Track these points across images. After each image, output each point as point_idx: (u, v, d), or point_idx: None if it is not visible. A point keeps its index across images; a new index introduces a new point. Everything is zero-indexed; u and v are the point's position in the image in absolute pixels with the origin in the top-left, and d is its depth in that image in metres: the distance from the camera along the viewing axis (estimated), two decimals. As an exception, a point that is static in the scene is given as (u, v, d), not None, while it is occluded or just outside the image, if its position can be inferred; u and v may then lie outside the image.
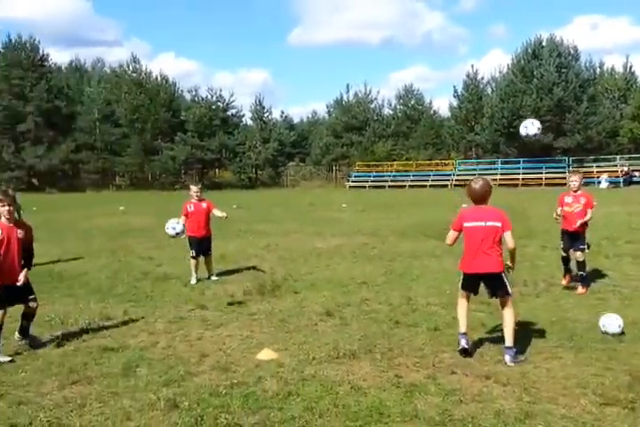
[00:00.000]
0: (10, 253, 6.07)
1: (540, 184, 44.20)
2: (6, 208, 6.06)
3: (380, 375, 5.27)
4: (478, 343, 6.07)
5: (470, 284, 5.95)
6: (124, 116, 54.38)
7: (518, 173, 47.01)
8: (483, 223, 5.73)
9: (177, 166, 55.37)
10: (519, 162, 48.13)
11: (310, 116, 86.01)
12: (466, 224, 5.83)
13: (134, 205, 30.76)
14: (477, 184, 5.81)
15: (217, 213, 9.84)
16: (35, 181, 53.13)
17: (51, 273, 10.72)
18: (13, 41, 53.95)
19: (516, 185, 43.99)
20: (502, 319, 5.81)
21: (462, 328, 5.91)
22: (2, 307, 6.08)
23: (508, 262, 5.80)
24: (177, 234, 7.97)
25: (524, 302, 7.78)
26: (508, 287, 5.77)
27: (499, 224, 5.69)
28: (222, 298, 8.55)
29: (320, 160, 59.79)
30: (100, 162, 54.88)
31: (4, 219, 6.12)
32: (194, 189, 9.98)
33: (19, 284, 6.02)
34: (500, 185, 37.39)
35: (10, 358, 5.91)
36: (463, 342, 5.80)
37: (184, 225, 8.24)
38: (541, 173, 46.11)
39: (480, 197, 5.82)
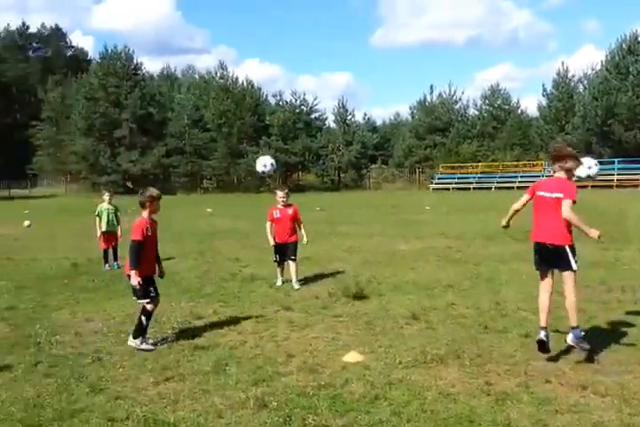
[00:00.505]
0: (154, 246, 6.61)
1: (637, 186, 41.96)
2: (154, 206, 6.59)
3: (470, 382, 5.13)
4: (572, 351, 5.80)
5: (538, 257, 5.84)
6: (211, 121, 56.02)
7: (613, 174, 44.73)
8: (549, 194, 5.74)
9: (262, 170, 56.28)
10: (614, 162, 45.77)
11: (393, 118, 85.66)
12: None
13: (221, 207, 31.61)
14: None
15: (303, 239, 9.84)
16: (129, 184, 55.54)
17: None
18: (109, 51, 56.84)
19: (611, 186, 41.97)
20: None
21: (542, 321, 5.69)
22: (153, 298, 6.50)
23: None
24: (263, 172, 8.11)
25: (621, 309, 7.39)
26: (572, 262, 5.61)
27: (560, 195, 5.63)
28: (308, 300, 8.61)
29: (402, 162, 59.30)
30: (189, 166, 56.74)
31: (150, 214, 6.59)
32: (280, 194, 9.80)
33: (161, 277, 6.61)
34: (594, 186, 35.68)
35: (153, 348, 6.31)
36: (541, 335, 5.58)
37: (272, 165, 8.32)
38: (638, 173, 43.76)
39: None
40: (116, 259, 12.01)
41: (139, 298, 6.48)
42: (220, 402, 4.78)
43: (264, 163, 8.01)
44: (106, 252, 12.01)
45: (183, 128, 56.69)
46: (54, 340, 6.73)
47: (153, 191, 6.68)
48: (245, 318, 7.54)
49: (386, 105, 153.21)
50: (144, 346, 6.33)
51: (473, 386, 5.03)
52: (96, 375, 5.51)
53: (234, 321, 7.42)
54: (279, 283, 9.75)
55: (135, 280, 6.30)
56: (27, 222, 21.48)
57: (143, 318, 6.44)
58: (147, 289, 6.44)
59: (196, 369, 5.60)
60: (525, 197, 6.06)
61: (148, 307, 6.49)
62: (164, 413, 4.62)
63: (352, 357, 5.82)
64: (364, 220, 22.04)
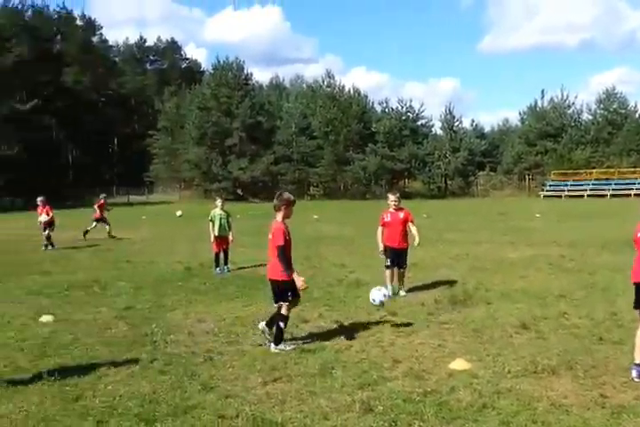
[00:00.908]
0: (290, 249, 6.73)
1: None
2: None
3: (584, 394, 4.91)
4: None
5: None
6: (318, 129, 56.89)
7: None
8: None
9: (367, 176, 56.52)
10: None
11: (501, 124, 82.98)
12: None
13: (327, 213, 31.98)
14: None
15: (415, 240, 9.58)
16: (239, 191, 57.41)
17: (255, 276, 11.49)
18: (221, 62, 59.25)
19: None
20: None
21: (637, 358, 5.30)
22: (290, 301, 6.60)
23: None
24: (381, 303, 7.71)
25: None
26: None
27: None
28: (413, 306, 8.56)
29: (512, 169, 57.38)
30: (296, 173, 57.91)
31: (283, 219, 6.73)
32: (391, 198, 9.74)
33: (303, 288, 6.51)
34: None
35: (294, 347, 6.49)
36: (634, 374, 5.22)
37: (385, 296, 7.89)
38: None
39: None
40: (226, 262, 12.48)
41: (278, 301, 6.60)
42: (325, 404, 4.86)
43: (375, 297, 7.65)
44: (217, 255, 12.49)
45: (291, 136, 57.93)
46: (169, 339, 7.10)
47: (289, 196, 6.85)
48: (351, 323, 7.61)
49: (493, 111, 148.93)
50: (288, 348, 6.47)
51: (587, 398, 4.82)
52: (208, 374, 5.76)
53: (340, 325, 7.51)
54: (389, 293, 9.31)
55: (299, 281, 6.42)
56: (179, 212, 22.08)
57: (281, 324, 6.55)
58: (287, 292, 6.57)
59: (303, 371, 5.72)
60: None
61: (284, 310, 6.58)
62: (272, 412, 4.75)
63: (459, 364, 5.73)
64: (471, 227, 21.57)
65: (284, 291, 6.57)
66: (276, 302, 6.68)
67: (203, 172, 57.26)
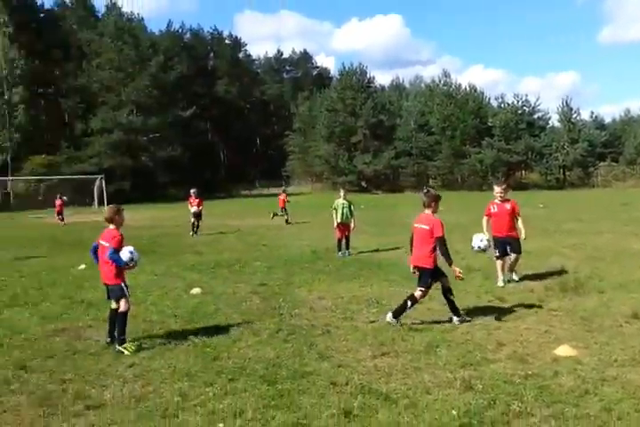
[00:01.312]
0: None
1: None
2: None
3: (695, 387, 4.39)
4: None
5: None
6: (436, 125, 55.95)
7: None
8: None
9: (484, 169, 54.58)
10: None
11: (623, 114, 76.33)
12: None
13: (445, 204, 31.10)
14: None
15: (521, 233, 8.99)
16: (363, 183, 57.71)
17: (372, 260, 11.47)
18: (346, 68, 59.82)
19: None
20: None
21: None
22: (427, 288, 6.55)
23: None
24: (480, 248, 7.57)
25: None
26: None
27: None
28: (523, 292, 8.11)
29: (635, 159, 52.74)
30: (415, 166, 57.32)
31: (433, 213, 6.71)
32: (497, 189, 9.24)
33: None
34: None
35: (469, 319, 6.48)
36: None
37: (488, 241, 7.72)
38: None
39: None
40: (347, 247, 12.54)
41: (420, 285, 6.51)
42: (428, 379, 4.73)
43: (477, 243, 7.48)
44: (340, 240, 12.58)
45: (410, 132, 57.38)
46: (293, 312, 7.27)
47: (436, 193, 6.85)
48: (460, 307, 7.33)
49: (615, 102, 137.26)
50: (465, 318, 6.50)
51: (698, 391, 4.30)
52: (324, 345, 5.82)
53: (447, 309, 7.26)
54: (500, 283, 8.73)
55: (457, 271, 6.34)
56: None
57: (409, 302, 6.46)
58: (429, 279, 6.50)
59: (410, 348, 5.61)
60: None
61: (418, 294, 6.48)
62: (378, 383, 4.71)
63: (564, 350, 5.35)
64: (591, 217, 20.03)
65: (428, 277, 6.47)
66: (419, 286, 6.52)
67: (331, 166, 58.19)
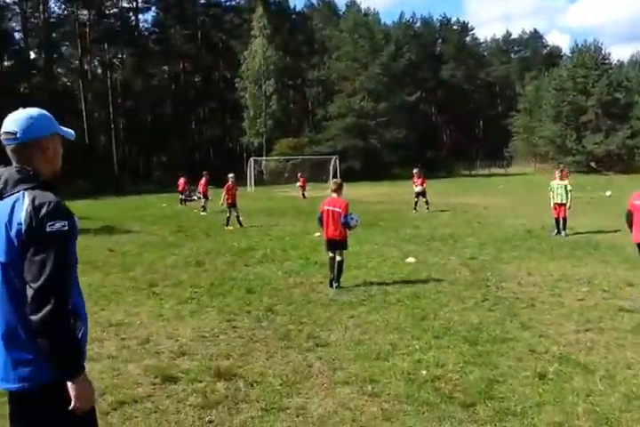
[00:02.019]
0: None
1: None
2: None
3: None
4: None
5: None
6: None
7: None
8: None
9: None
10: None
11: None
12: None
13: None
14: None
15: None
16: (592, 164, 52.19)
17: (589, 241, 10.65)
18: (579, 45, 54.01)
19: None
20: None
21: None
22: None
23: None
24: None
25: None
26: None
27: None
28: None
29: None
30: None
31: None
32: None
33: None
34: None
35: None
36: None
37: None
38: None
39: None
40: (565, 228, 11.77)
41: None
42: (631, 356, 4.47)
43: None
44: (557, 220, 11.90)
45: (652, 110, 49.76)
46: (500, 285, 7.24)
47: None
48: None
49: None
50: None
51: None
52: (527, 317, 5.76)
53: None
54: None
55: None
56: (608, 193, 21.22)
57: None
58: None
59: (616, 327, 5.28)
60: None
61: None
62: (578, 355, 4.59)
63: None
64: None
65: None
66: None
67: (557, 146, 53.58)
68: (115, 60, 55.23)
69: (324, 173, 41.45)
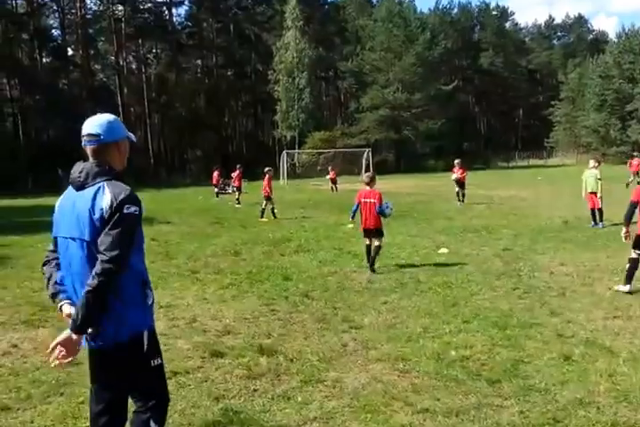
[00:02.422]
0: None
1: None
2: None
3: None
4: None
5: None
6: None
7: None
8: None
9: None
10: None
11: None
12: None
13: None
14: None
15: None
16: (635, 154, 50.84)
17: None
18: (626, 30, 52.50)
19: None
20: None
21: None
22: None
23: None
24: None
25: None
26: None
27: None
28: None
29: None
30: None
31: None
32: None
33: None
34: None
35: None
36: None
37: None
38: None
39: None
40: (601, 219, 11.79)
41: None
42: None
43: None
44: (593, 211, 11.95)
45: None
46: (532, 275, 7.45)
47: None
48: None
49: None
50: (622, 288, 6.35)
51: None
52: (557, 304, 6.00)
53: None
54: None
55: None
56: None
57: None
58: None
59: (644, 315, 5.48)
60: None
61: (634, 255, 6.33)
62: (603, 339, 4.83)
63: None
64: None
65: None
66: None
67: (601, 136, 52.43)
68: (149, 55, 56.51)
69: (358, 165, 41.61)
